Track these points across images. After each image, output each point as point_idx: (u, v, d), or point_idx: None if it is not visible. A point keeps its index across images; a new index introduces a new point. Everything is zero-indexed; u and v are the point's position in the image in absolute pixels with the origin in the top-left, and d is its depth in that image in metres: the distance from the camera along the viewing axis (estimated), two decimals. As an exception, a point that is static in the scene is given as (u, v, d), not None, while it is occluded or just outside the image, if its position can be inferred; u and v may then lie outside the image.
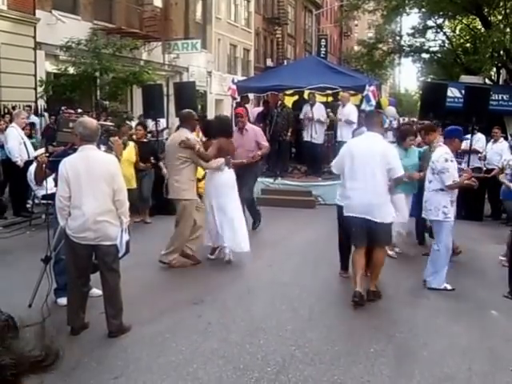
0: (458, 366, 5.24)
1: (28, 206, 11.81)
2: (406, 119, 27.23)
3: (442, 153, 7.46)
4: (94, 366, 5.05)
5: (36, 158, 6.89)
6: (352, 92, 15.91)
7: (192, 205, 8.31)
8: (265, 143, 10.80)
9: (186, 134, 8.35)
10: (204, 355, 5.31)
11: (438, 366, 5.21)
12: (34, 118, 16.01)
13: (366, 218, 6.82)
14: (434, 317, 6.57)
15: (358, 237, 7.00)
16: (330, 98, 17.59)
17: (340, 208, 7.48)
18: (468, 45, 31.73)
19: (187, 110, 8.90)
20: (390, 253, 8.64)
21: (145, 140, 12.03)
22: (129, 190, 9.08)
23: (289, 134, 15.73)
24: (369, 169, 6.81)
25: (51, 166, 6.29)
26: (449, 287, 7.45)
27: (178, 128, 15.99)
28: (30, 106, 17.06)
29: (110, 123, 8.12)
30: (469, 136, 11.77)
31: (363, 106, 14.82)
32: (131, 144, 10.15)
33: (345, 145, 7.66)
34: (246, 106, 17.16)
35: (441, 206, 7.34)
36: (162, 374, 4.90)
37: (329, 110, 16.14)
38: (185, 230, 8.33)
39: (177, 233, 8.37)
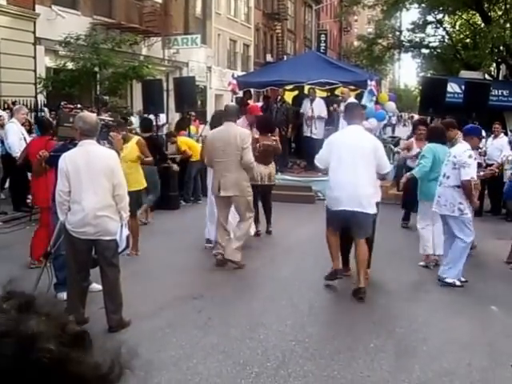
0: (457, 361, 5.24)
1: (28, 201, 11.79)
2: (407, 114, 27.21)
3: (464, 148, 7.40)
4: (94, 361, 5.04)
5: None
6: (352, 87, 15.89)
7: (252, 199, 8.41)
8: None
9: (243, 129, 8.44)
10: (204, 350, 5.32)
11: (437, 361, 5.21)
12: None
13: (354, 210, 6.86)
14: (434, 312, 6.58)
15: (337, 223, 7.16)
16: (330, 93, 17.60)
17: None
18: (468, 40, 31.63)
19: (233, 104, 8.96)
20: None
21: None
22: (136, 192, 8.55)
23: (289, 130, 15.73)
24: (358, 161, 6.89)
25: (50, 161, 6.29)
26: (457, 283, 7.36)
27: (181, 121, 16.01)
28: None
29: (110, 118, 8.10)
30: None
31: (364, 101, 14.80)
32: (134, 140, 8.81)
33: (328, 139, 7.60)
34: (248, 101, 17.17)
35: (456, 203, 7.27)
36: (162, 369, 4.90)
37: (332, 107, 16.14)
38: (250, 223, 8.43)
39: (245, 228, 8.30)
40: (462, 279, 7.49)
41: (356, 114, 7.47)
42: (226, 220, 8.30)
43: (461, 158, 7.27)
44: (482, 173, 7.71)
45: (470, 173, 7.22)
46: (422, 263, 8.36)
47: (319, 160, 7.42)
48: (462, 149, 7.44)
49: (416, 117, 18.38)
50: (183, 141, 13.60)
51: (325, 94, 17.31)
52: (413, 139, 10.86)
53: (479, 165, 12.24)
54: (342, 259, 7.63)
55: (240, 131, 8.20)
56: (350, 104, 8.96)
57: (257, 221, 10.10)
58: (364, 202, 6.89)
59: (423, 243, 8.40)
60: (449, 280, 7.34)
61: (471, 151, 7.34)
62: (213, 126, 9.24)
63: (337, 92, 16.87)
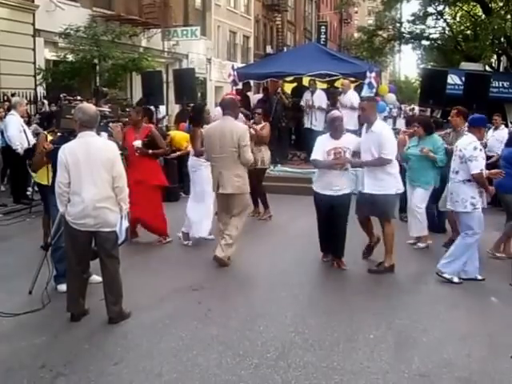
0: (457, 352, 5.25)
1: (28, 193, 11.81)
2: (407, 106, 27.18)
3: (470, 140, 7.23)
4: (94, 352, 5.06)
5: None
6: (352, 79, 15.86)
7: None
8: None
9: (239, 123, 8.10)
10: (204, 341, 5.33)
11: (437, 352, 5.22)
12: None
13: None
14: (434, 303, 6.58)
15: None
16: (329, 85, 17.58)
17: (316, 194, 7.84)
18: (468, 32, 31.52)
19: (230, 96, 8.83)
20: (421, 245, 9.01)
21: None
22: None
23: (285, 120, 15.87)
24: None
25: (50, 154, 6.27)
26: (455, 280, 7.23)
27: (181, 113, 15.94)
28: None
29: (108, 109, 8.08)
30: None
31: (364, 93, 14.77)
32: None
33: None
34: (248, 93, 17.16)
35: (468, 197, 7.12)
36: (162, 360, 4.91)
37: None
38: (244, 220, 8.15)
39: (239, 225, 7.92)
40: (479, 277, 7.33)
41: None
42: (225, 219, 8.04)
43: (466, 152, 7.13)
44: (487, 171, 7.58)
45: (479, 165, 7.07)
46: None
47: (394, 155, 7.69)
48: (467, 141, 7.27)
49: (416, 108, 18.33)
50: (181, 136, 13.36)
51: (325, 86, 17.28)
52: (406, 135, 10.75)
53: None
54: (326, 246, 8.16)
55: (236, 127, 7.77)
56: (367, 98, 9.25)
57: (257, 204, 10.60)
58: None
59: None
60: (447, 276, 7.22)
61: (476, 143, 7.17)
62: (194, 120, 9.01)
63: (337, 84, 16.85)
